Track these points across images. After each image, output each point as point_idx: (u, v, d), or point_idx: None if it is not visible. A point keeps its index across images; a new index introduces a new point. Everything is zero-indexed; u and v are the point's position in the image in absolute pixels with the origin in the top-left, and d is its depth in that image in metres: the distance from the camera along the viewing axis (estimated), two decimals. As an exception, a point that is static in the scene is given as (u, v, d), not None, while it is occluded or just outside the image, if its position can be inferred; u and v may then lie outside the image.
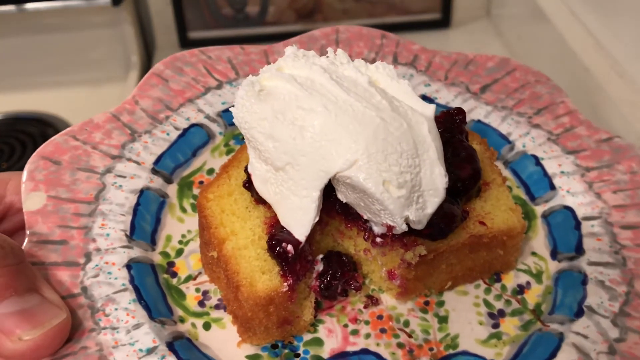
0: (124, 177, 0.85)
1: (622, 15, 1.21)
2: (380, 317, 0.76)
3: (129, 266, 0.76)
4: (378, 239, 0.73)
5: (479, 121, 0.96)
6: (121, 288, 0.74)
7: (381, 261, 0.76)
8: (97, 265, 0.75)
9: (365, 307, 0.77)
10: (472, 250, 0.76)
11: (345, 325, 0.75)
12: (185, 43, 1.90)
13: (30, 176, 0.81)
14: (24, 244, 0.75)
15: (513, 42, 1.73)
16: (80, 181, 0.83)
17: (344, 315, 0.76)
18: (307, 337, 0.74)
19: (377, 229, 0.73)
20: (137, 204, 0.83)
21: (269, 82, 0.71)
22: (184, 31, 1.88)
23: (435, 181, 0.68)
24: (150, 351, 0.69)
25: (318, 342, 0.74)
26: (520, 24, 1.67)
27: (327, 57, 0.75)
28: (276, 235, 0.71)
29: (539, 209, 0.87)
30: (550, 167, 0.90)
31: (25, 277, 0.66)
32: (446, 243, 0.74)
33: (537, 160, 0.90)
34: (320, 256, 0.76)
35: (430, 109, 0.71)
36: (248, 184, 0.75)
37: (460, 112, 0.80)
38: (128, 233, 0.80)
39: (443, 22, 1.55)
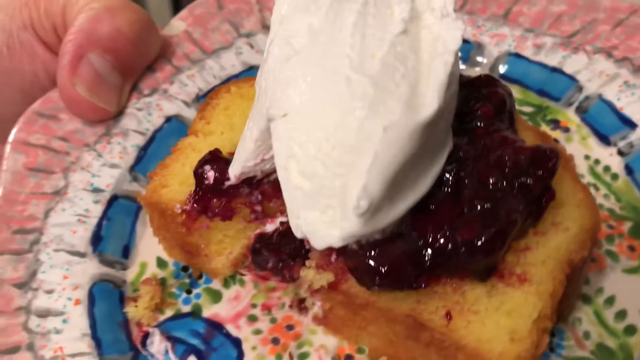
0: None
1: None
2: (290, 327, 0.62)
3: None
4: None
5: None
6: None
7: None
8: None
9: (290, 306, 0.64)
10: (408, 337, 0.56)
11: (254, 305, 0.64)
12: (184, 41, 1.92)
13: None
14: None
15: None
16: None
17: (263, 295, 0.64)
18: (215, 285, 0.65)
19: None
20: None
21: None
22: (183, 29, 1.89)
23: (352, 198, 0.47)
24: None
25: (216, 297, 0.64)
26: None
27: None
28: (218, 156, 0.59)
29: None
30: None
31: None
32: (366, 298, 0.55)
33: None
34: (281, 219, 0.62)
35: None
36: None
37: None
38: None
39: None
